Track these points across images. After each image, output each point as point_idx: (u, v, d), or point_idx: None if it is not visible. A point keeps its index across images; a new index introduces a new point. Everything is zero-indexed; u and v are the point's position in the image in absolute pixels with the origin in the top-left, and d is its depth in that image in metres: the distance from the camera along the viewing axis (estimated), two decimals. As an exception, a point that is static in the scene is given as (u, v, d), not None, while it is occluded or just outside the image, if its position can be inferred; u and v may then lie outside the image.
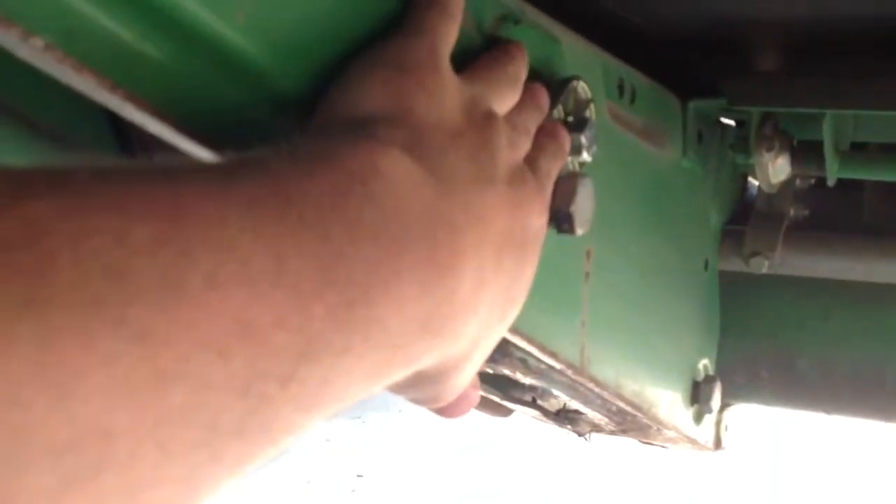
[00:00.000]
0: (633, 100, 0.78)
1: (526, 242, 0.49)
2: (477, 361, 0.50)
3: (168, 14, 0.39)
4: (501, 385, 0.87)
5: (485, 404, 0.95)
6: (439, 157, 0.44)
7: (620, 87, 0.77)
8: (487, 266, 0.45)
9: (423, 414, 0.58)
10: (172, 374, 0.30)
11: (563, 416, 0.95)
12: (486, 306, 0.46)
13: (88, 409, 0.28)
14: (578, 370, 0.73)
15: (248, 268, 0.33)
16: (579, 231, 0.58)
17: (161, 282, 0.30)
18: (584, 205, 0.58)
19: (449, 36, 0.50)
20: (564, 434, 1.01)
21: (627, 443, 1.04)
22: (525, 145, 0.53)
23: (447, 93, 0.47)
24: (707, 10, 0.77)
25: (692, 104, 0.88)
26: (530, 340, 0.65)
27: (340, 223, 0.37)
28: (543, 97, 0.57)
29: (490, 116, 0.49)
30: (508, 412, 0.99)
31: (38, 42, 0.36)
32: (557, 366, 0.70)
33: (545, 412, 0.94)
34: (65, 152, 0.60)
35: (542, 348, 0.67)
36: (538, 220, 0.51)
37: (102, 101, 0.40)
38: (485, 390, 0.89)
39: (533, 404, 0.92)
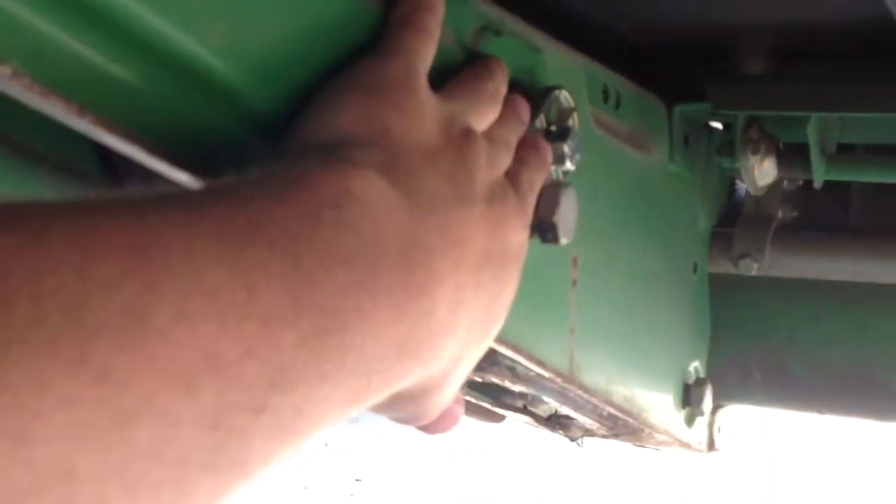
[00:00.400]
0: (617, 105, 0.78)
1: (506, 260, 0.49)
2: (458, 379, 0.49)
3: (140, 36, 0.39)
4: (492, 392, 0.87)
5: (477, 411, 0.95)
6: (415, 179, 0.44)
7: (605, 94, 0.77)
8: (466, 286, 0.45)
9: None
10: (137, 413, 0.29)
11: (555, 422, 0.95)
12: (464, 326, 0.46)
13: (49, 452, 0.27)
14: (567, 378, 0.73)
15: (217, 300, 0.32)
16: (563, 240, 0.58)
17: (124, 318, 0.29)
18: (567, 214, 0.58)
19: (426, 55, 0.49)
20: (557, 438, 1.01)
21: (621, 444, 1.04)
22: (506, 160, 0.53)
23: (424, 113, 0.47)
24: (690, 15, 0.77)
25: (678, 109, 0.88)
26: (517, 350, 0.65)
27: (312, 249, 0.37)
28: (524, 109, 0.57)
29: (468, 134, 0.49)
30: (500, 418, 0.99)
31: (6, 70, 0.36)
32: (546, 374, 0.70)
33: (536, 418, 0.94)
34: (56, 176, 0.60)
35: (530, 357, 0.67)
36: (518, 237, 0.51)
37: (72, 125, 0.39)
38: (476, 397, 0.89)
39: (524, 410, 0.92)
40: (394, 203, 0.42)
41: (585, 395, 0.77)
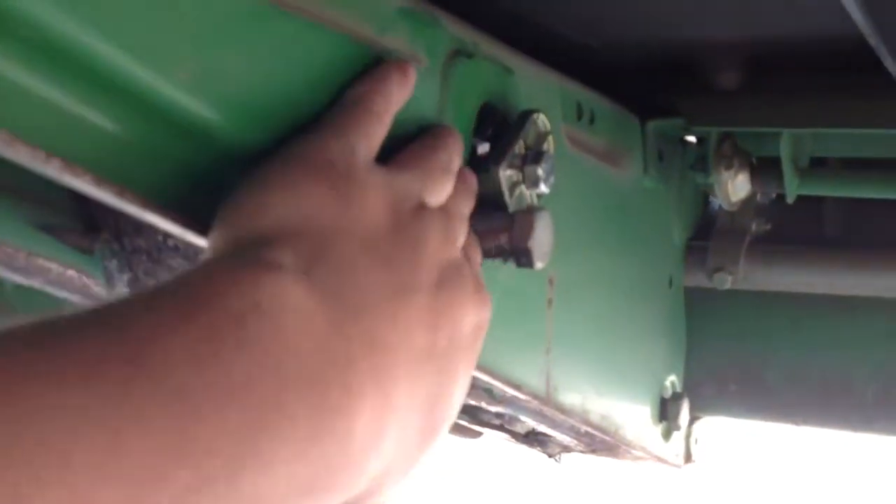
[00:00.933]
0: (591, 122, 0.78)
1: (455, 352, 0.45)
2: (396, 483, 0.44)
3: (107, 76, 0.38)
4: (469, 410, 0.87)
5: (453, 428, 0.95)
6: (343, 275, 0.40)
7: (579, 111, 0.76)
8: (398, 391, 0.40)
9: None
10: None
11: (532, 439, 0.95)
12: (394, 435, 0.41)
13: None
14: (544, 399, 0.72)
15: (69, 467, 0.28)
16: (538, 265, 0.58)
17: None
18: (542, 238, 0.58)
19: (372, 136, 0.46)
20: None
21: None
22: (462, 235, 0.50)
23: (365, 194, 0.43)
24: (663, 32, 0.77)
25: (652, 124, 0.88)
26: (494, 374, 0.65)
27: (202, 382, 0.32)
28: (474, 181, 0.54)
29: (420, 210, 0.46)
30: (477, 434, 0.99)
31: None
32: (523, 396, 0.70)
33: (514, 435, 0.94)
34: (29, 209, 0.59)
35: (507, 381, 0.67)
36: (474, 317, 0.47)
37: (39, 171, 0.38)
38: (453, 415, 0.88)
39: (501, 428, 0.92)
40: (310, 312, 0.37)
41: (562, 415, 0.76)
